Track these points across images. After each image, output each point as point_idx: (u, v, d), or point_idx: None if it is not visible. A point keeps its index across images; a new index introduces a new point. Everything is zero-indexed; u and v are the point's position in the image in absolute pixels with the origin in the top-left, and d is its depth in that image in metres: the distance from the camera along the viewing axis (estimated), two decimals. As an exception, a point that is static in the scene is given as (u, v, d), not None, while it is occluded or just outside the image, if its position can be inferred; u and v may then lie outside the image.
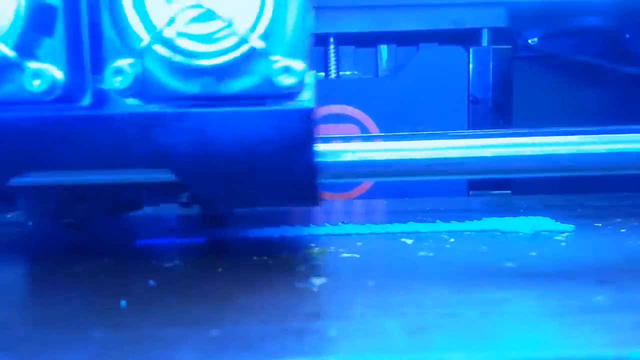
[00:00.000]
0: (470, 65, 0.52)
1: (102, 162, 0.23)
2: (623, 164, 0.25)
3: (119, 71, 0.22)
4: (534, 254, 0.25)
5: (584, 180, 0.27)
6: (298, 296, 0.19)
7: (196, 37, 0.22)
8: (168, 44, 0.22)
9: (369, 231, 0.31)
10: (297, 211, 0.43)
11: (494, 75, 0.52)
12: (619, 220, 0.33)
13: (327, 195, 0.53)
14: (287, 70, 0.22)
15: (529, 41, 0.56)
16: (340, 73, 0.54)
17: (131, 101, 0.22)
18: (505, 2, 0.51)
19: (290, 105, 0.22)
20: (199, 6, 0.22)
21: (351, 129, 0.52)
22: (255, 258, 0.25)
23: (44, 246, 0.31)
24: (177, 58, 0.22)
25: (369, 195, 0.53)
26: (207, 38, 0.22)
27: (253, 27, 0.22)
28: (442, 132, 0.47)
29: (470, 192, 0.53)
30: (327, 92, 0.53)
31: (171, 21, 0.22)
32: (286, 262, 0.24)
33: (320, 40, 0.54)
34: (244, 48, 0.22)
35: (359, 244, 0.28)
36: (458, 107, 0.52)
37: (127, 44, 0.22)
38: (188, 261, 0.25)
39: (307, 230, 0.31)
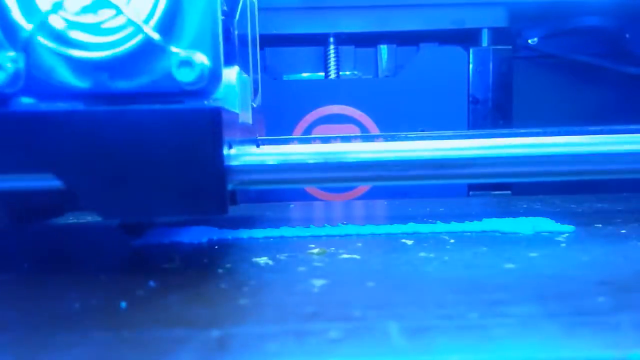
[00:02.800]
0: (470, 66, 0.52)
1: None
2: (622, 163, 0.25)
3: None
4: (534, 254, 0.25)
5: (584, 181, 0.27)
6: (298, 297, 0.19)
7: (87, 28, 0.20)
8: (55, 34, 0.20)
9: (369, 232, 0.31)
10: (297, 211, 0.43)
11: (494, 76, 0.52)
12: (619, 220, 0.33)
13: (326, 195, 0.53)
14: (186, 63, 0.20)
15: (529, 41, 0.56)
16: (340, 73, 0.54)
17: (26, 100, 0.21)
18: (505, 2, 0.51)
19: (192, 104, 0.20)
20: None
21: (351, 129, 0.52)
22: (254, 259, 0.25)
23: (43, 246, 0.31)
24: (62, 49, 0.20)
25: (369, 196, 0.53)
26: (100, 29, 0.20)
27: (149, 16, 0.20)
28: (441, 132, 0.47)
29: (471, 193, 0.53)
30: (327, 92, 0.53)
31: (56, 8, 0.20)
32: (286, 263, 0.24)
33: (320, 40, 0.54)
34: (138, 39, 0.20)
35: (359, 244, 0.28)
36: (458, 107, 0.52)
37: (9, 36, 0.20)
38: (188, 262, 0.25)
39: (307, 231, 0.31)
